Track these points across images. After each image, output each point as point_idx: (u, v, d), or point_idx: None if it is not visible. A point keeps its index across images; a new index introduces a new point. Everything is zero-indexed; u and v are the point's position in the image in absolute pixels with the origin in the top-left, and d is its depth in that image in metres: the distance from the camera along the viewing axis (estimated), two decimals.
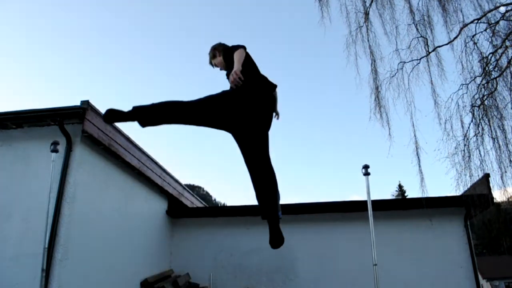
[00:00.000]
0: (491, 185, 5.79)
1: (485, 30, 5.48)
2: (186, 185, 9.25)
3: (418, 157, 5.55)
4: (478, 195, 6.20)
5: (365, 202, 5.10)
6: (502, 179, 5.27)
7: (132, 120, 2.57)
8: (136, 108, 2.57)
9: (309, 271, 7.39)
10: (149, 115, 2.57)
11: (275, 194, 2.64)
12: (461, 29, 5.47)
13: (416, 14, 5.63)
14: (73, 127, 5.38)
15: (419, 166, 5.56)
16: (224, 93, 2.67)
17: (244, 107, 2.61)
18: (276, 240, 2.66)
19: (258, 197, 2.66)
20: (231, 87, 2.62)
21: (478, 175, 5.48)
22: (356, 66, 5.75)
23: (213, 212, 9.73)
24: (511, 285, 28.22)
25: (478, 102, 5.49)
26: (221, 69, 3.04)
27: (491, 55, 5.50)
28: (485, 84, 5.52)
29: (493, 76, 5.51)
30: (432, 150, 5.57)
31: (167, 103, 2.58)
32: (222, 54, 2.98)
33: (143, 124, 2.58)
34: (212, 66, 3.10)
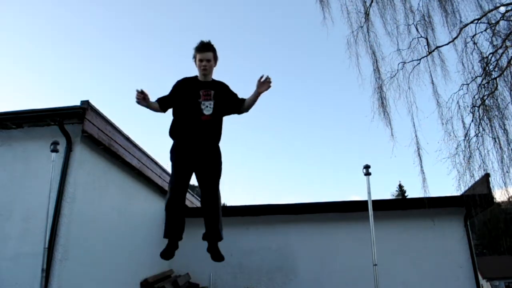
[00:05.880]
0: (491, 185, 5.79)
1: (485, 30, 5.48)
2: None
3: (420, 158, 5.56)
4: (478, 195, 6.20)
5: (365, 202, 5.09)
6: (504, 178, 5.27)
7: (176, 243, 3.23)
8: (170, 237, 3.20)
9: (309, 271, 7.38)
10: (179, 229, 3.20)
11: (219, 218, 3.15)
12: (461, 29, 5.47)
13: (416, 14, 5.63)
14: (73, 127, 5.37)
15: (421, 167, 5.57)
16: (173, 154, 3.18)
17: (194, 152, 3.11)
18: (216, 258, 3.20)
19: (206, 221, 3.20)
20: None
21: (479, 175, 5.48)
22: (358, 66, 5.76)
23: None
24: (511, 285, 28.23)
25: (479, 102, 5.48)
26: (202, 68, 3.11)
27: (491, 55, 5.50)
28: (486, 84, 5.52)
29: (493, 76, 5.51)
30: (433, 150, 5.58)
31: (174, 218, 3.17)
32: (215, 64, 3.19)
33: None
34: (196, 60, 3.13)
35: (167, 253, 3.16)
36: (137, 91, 2.97)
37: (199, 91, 3.11)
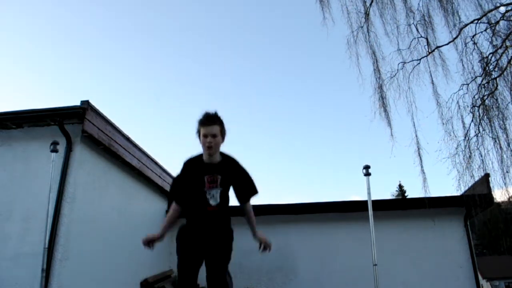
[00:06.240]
0: (491, 185, 5.80)
1: (485, 30, 5.49)
2: None
3: (420, 158, 5.56)
4: (478, 195, 6.20)
5: (365, 202, 5.10)
6: (504, 178, 5.27)
7: None
8: None
9: (309, 271, 7.38)
10: None
11: None
12: (461, 29, 5.47)
13: (416, 14, 5.63)
14: (73, 127, 5.37)
15: (421, 166, 5.57)
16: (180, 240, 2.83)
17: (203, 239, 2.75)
18: None
19: None
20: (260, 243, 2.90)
21: (479, 175, 5.48)
22: (358, 67, 5.75)
23: None
24: (511, 285, 28.25)
25: (479, 102, 5.49)
26: (207, 145, 2.67)
27: (491, 55, 5.50)
28: (486, 84, 5.52)
29: (493, 76, 5.51)
30: (433, 150, 5.58)
31: None
32: (222, 139, 2.77)
33: None
34: (200, 135, 2.71)
35: None
36: (145, 244, 2.89)
37: (204, 177, 2.71)
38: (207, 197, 2.70)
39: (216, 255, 2.73)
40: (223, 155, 2.82)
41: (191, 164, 2.82)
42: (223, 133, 2.75)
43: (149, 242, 2.82)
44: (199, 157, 2.81)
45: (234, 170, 2.81)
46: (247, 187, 2.87)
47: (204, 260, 2.76)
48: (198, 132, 2.74)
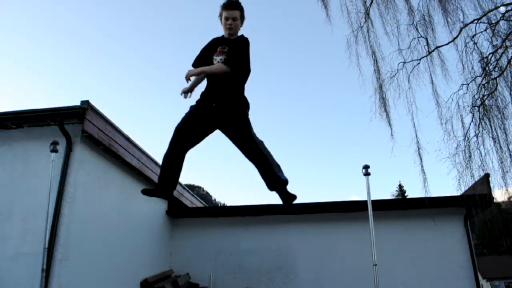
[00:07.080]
0: (491, 185, 5.79)
1: (485, 30, 5.48)
2: (186, 185, 9.25)
3: (420, 157, 5.56)
4: (478, 195, 6.20)
5: (365, 202, 5.10)
6: (503, 178, 5.27)
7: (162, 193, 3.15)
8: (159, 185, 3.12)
9: (309, 271, 7.38)
10: (168, 183, 3.10)
11: (271, 165, 2.95)
12: (461, 29, 5.47)
13: (416, 14, 5.63)
14: (73, 127, 5.38)
15: (422, 166, 5.57)
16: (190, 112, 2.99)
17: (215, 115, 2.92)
18: (288, 200, 2.97)
19: (260, 173, 2.97)
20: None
21: (479, 175, 5.48)
22: (358, 66, 5.76)
23: (213, 212, 9.74)
24: (511, 285, 28.24)
25: (479, 102, 5.48)
26: (228, 27, 2.99)
27: (491, 55, 5.50)
28: (486, 84, 5.52)
29: (493, 76, 5.51)
30: (433, 150, 5.57)
31: (167, 165, 3.02)
32: (241, 23, 3.09)
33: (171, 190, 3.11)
34: (222, 18, 3.03)
35: (149, 191, 3.17)
36: (184, 93, 3.08)
37: (218, 48, 3.05)
38: (214, 62, 2.99)
39: (233, 127, 2.92)
40: (240, 36, 3.09)
41: (214, 40, 3.16)
42: (242, 18, 3.08)
43: (187, 92, 3.07)
44: (221, 36, 3.16)
45: (238, 45, 3.03)
46: (230, 58, 2.95)
47: (231, 140, 2.95)
48: (220, 15, 3.07)
